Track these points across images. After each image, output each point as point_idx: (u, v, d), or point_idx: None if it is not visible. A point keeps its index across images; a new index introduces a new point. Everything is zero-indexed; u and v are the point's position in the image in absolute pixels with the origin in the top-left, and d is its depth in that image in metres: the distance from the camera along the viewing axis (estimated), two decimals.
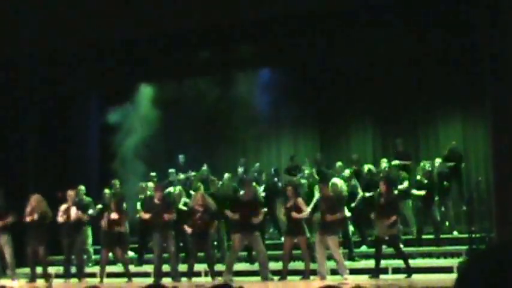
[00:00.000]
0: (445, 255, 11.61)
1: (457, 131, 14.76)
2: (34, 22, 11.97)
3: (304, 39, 12.81)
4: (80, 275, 11.75)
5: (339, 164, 13.24)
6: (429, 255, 11.74)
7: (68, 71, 14.12)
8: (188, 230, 11.14)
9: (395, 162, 13.21)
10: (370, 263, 10.99)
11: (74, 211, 11.85)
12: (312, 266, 10.90)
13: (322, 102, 15.59)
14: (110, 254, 11.86)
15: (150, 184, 13.54)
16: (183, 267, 11.43)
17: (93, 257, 13.23)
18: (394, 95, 14.95)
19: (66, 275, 11.84)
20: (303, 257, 10.80)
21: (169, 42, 12.94)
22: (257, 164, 14.85)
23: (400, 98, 14.98)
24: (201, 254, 11.46)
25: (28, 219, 11.56)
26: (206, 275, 11.65)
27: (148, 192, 13.04)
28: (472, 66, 12.73)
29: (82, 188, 13.06)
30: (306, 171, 13.41)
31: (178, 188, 13.13)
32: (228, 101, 14.89)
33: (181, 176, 14.42)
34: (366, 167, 13.13)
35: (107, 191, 13.22)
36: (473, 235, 11.13)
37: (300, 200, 10.78)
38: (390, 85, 14.75)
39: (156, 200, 11.49)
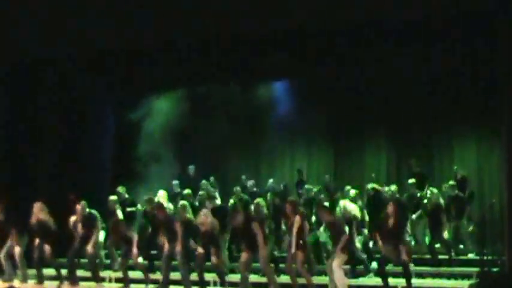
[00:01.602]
0: (455, 276, 11.53)
1: (472, 153, 14.74)
2: (53, 25, 12.11)
3: (322, 54, 12.85)
4: (95, 278, 11.78)
5: (347, 188, 13.17)
6: (440, 275, 11.67)
7: (85, 75, 14.24)
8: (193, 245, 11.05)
9: (412, 180, 13.17)
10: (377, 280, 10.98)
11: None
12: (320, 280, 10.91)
13: (338, 118, 15.63)
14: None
15: (161, 193, 13.58)
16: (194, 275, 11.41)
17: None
18: (409, 114, 14.98)
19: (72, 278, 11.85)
20: (299, 273, 10.68)
21: (184, 52, 13.03)
22: (271, 180, 14.84)
23: (414, 117, 15.01)
24: (208, 264, 11.44)
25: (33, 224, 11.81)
26: (215, 284, 11.64)
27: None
28: (488, 88, 12.74)
29: (83, 202, 12.61)
30: (314, 189, 13.41)
31: (182, 202, 13.01)
32: (242, 113, 14.96)
33: (186, 190, 14.28)
34: (370, 186, 13.15)
35: (112, 197, 13.27)
36: (485, 257, 11.06)
37: (297, 218, 10.64)
38: (405, 104, 14.80)
39: (159, 217, 11.46)
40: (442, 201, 12.44)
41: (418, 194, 13.03)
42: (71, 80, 14.27)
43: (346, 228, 10.46)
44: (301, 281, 10.65)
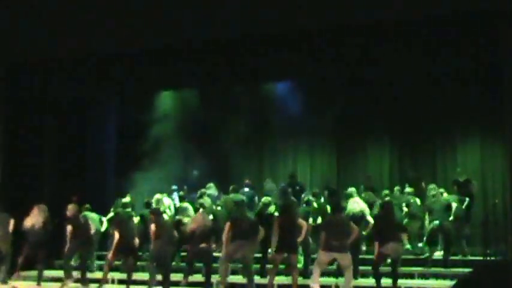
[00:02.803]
0: (459, 277, 11.50)
1: (475, 153, 14.72)
2: (53, 27, 12.12)
3: (325, 55, 12.83)
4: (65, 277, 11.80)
5: (351, 189, 13.09)
6: (443, 276, 11.65)
7: (87, 76, 14.23)
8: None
9: (409, 189, 13.25)
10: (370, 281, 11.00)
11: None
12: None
13: (340, 120, 15.58)
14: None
15: (158, 196, 13.61)
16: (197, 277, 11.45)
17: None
18: (412, 115, 14.97)
19: (83, 280, 11.87)
20: (292, 274, 10.59)
21: (185, 52, 13.04)
22: (266, 183, 14.77)
23: (417, 118, 14.99)
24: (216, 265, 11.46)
25: (32, 225, 11.82)
26: (218, 286, 11.64)
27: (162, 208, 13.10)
28: (491, 88, 12.72)
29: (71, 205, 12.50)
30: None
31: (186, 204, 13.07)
32: (243, 115, 14.93)
33: (181, 192, 14.26)
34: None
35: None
36: (488, 257, 11.05)
37: (275, 223, 10.61)
38: (408, 105, 14.78)
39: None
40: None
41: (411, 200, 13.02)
42: (71, 80, 14.26)
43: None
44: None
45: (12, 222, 12.05)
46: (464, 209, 12.68)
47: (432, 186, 12.89)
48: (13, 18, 11.57)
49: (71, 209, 11.89)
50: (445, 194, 12.75)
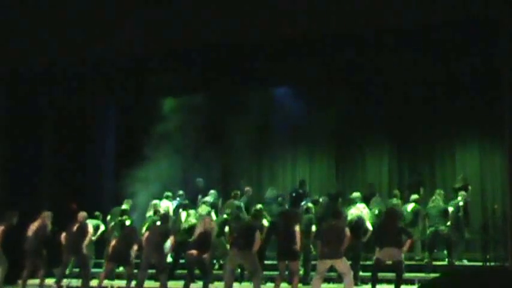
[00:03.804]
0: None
1: (474, 159, 14.70)
2: (53, 33, 12.12)
3: (323, 61, 12.85)
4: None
5: (356, 194, 13.04)
6: None
7: (86, 82, 14.22)
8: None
9: (415, 196, 13.19)
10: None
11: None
12: None
13: (340, 124, 15.54)
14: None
15: (157, 202, 13.58)
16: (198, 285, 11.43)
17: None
18: (411, 121, 14.97)
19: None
20: (292, 281, 10.64)
21: (185, 58, 13.03)
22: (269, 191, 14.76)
23: (416, 123, 15.00)
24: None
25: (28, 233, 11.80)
26: None
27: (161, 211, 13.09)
28: (490, 94, 12.74)
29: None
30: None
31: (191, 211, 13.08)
32: (242, 120, 14.92)
33: (186, 201, 14.30)
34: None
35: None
36: (488, 263, 11.05)
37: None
38: (407, 111, 14.79)
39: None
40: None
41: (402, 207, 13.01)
42: (71, 86, 14.25)
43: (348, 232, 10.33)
44: None
45: None
46: (460, 215, 12.67)
47: (438, 191, 12.91)
48: (14, 24, 11.56)
49: (80, 216, 11.94)
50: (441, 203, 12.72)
